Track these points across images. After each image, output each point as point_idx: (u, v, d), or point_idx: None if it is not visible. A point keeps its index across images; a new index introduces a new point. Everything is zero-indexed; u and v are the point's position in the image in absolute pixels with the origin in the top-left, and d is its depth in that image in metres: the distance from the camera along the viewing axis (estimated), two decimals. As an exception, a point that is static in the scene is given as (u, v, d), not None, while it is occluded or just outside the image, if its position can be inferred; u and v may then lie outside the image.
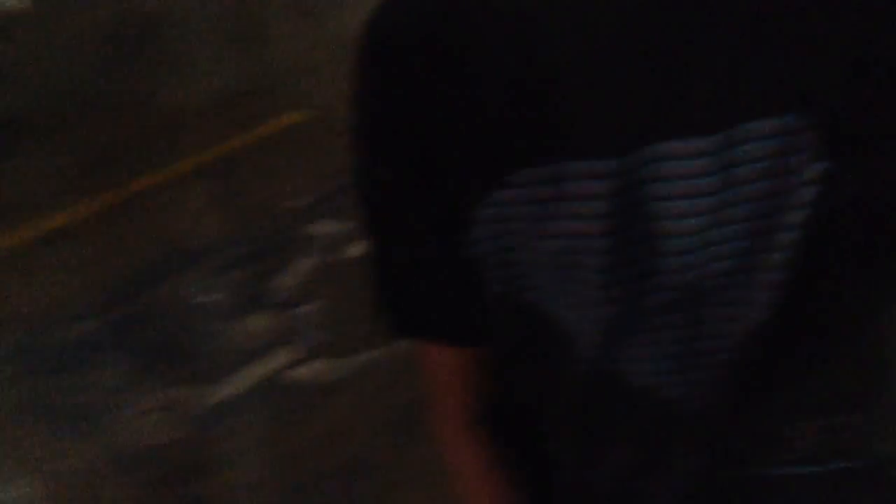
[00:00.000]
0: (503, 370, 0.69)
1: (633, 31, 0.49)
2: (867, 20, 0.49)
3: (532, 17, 0.51)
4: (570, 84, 0.51)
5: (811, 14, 0.49)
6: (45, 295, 2.83)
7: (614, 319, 0.57)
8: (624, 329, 0.57)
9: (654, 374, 0.59)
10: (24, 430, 2.31)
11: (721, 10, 0.48)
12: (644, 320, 0.57)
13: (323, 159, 3.32)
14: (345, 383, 2.40)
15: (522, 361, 0.66)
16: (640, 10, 0.49)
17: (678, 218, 0.52)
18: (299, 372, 2.45)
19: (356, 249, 2.67)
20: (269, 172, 3.47)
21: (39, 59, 4.67)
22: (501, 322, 0.63)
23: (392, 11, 0.55)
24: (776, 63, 0.49)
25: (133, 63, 4.55)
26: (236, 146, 3.71)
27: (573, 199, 0.52)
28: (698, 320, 0.56)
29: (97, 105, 4.16)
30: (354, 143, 0.60)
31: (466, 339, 0.68)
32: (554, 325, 0.59)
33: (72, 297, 2.80)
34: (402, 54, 0.54)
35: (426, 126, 0.55)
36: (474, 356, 0.70)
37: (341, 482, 2.09)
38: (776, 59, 0.49)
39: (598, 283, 0.55)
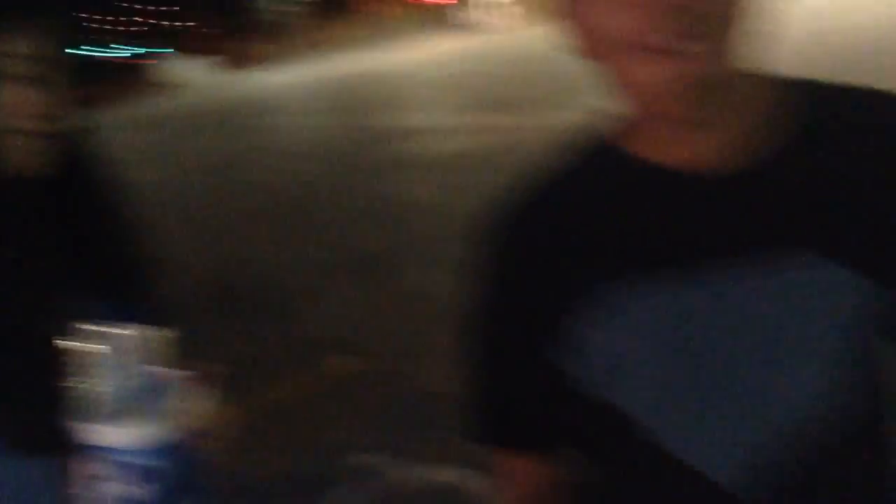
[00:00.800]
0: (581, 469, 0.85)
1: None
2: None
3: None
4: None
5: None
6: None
7: (689, 414, 0.75)
8: (696, 422, 0.75)
9: (718, 463, 0.75)
10: None
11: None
12: (714, 416, 0.75)
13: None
14: None
15: (605, 459, 0.82)
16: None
17: (740, 328, 0.73)
18: None
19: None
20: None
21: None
22: (587, 426, 0.81)
23: (507, 216, 0.82)
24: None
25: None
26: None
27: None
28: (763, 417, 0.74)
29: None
30: (481, 296, 0.85)
31: (552, 448, 0.87)
32: (635, 422, 0.77)
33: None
34: (515, 244, 0.82)
35: (541, 281, 0.80)
36: (551, 467, 0.87)
37: None
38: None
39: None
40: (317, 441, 3.34)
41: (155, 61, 42.32)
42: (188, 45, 44.80)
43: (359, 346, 4.22)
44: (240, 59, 36.89)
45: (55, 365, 1.48)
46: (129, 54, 50.38)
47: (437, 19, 29.58)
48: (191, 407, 1.64)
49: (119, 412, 1.56)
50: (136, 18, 56.58)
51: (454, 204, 6.44)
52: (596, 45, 0.71)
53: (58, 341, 1.48)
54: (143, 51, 49.22)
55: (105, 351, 1.56)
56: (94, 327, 1.56)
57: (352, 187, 8.13)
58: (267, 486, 3.07)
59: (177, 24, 54.69)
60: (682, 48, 0.66)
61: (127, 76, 38.16)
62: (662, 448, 0.76)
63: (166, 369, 1.62)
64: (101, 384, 1.56)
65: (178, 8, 53.63)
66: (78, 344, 1.54)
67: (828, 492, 0.76)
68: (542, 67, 13.47)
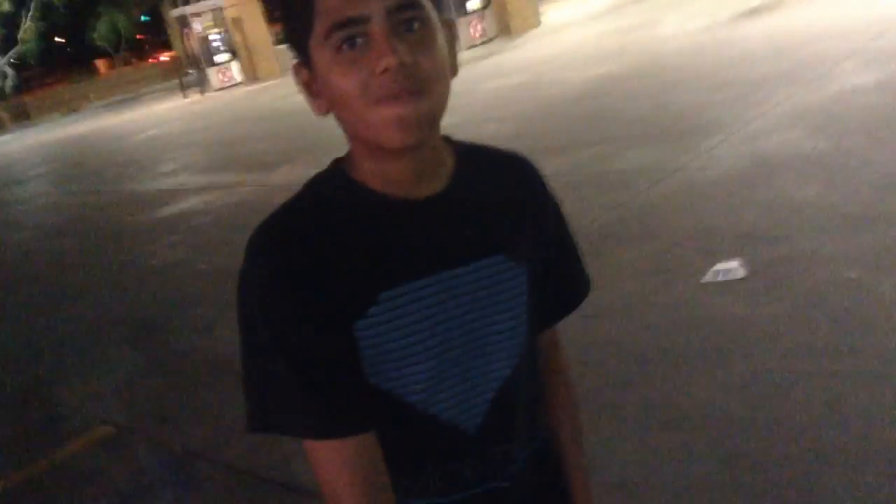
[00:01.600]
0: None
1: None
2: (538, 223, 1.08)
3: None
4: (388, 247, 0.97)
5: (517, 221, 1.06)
6: None
7: (435, 380, 0.99)
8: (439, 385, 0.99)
9: (453, 411, 1.01)
10: None
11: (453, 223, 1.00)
12: (449, 378, 1.00)
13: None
14: None
15: (385, 425, 0.97)
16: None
17: (466, 312, 1.00)
18: None
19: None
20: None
21: None
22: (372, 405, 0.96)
23: (268, 243, 0.95)
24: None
25: None
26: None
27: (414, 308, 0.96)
28: (473, 372, 1.02)
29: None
30: (260, 318, 0.93)
31: (366, 426, 0.95)
32: (399, 396, 0.98)
33: None
34: (287, 260, 0.93)
35: (316, 292, 0.92)
36: (370, 442, 0.96)
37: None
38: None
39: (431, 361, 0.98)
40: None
41: None
42: None
43: (113, 415, 4.13)
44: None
45: None
46: None
47: (172, 77, 28.85)
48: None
49: None
50: None
51: (203, 261, 6.44)
52: (342, 103, 0.91)
53: None
54: None
55: None
56: None
57: (102, 255, 7.76)
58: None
59: None
60: (407, 99, 0.88)
61: None
62: (426, 414, 0.99)
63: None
64: None
65: None
66: None
67: (516, 410, 1.07)
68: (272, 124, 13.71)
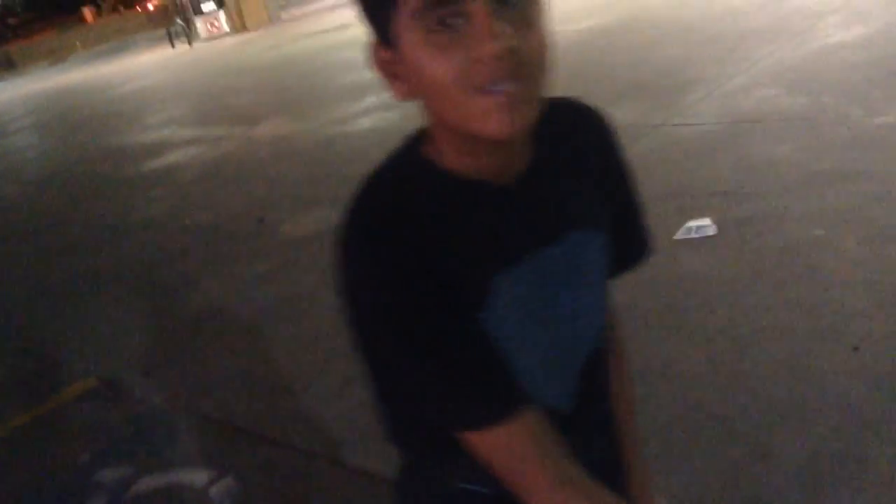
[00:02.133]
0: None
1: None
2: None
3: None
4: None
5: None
6: None
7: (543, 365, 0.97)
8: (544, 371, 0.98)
9: (556, 390, 1.00)
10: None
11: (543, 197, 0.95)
12: (551, 364, 0.99)
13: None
14: None
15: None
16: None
17: (562, 291, 0.98)
18: None
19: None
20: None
21: None
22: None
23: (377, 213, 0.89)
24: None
25: None
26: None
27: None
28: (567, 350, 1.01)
29: None
30: (384, 306, 0.86)
31: (524, 403, 0.89)
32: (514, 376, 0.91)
33: None
34: (397, 235, 0.86)
35: (433, 270, 0.86)
36: (538, 414, 0.90)
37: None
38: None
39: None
40: (63, 461, 3.34)
41: None
42: None
43: (101, 367, 4.21)
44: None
45: None
46: None
47: (161, 26, 28.49)
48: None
49: None
50: None
51: (186, 216, 6.48)
52: (433, 90, 0.81)
53: None
54: None
55: None
56: None
57: (86, 211, 7.77)
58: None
59: None
60: (510, 87, 0.79)
61: None
62: (536, 396, 0.91)
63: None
64: None
65: None
66: None
67: (597, 376, 1.06)
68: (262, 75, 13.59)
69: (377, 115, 8.28)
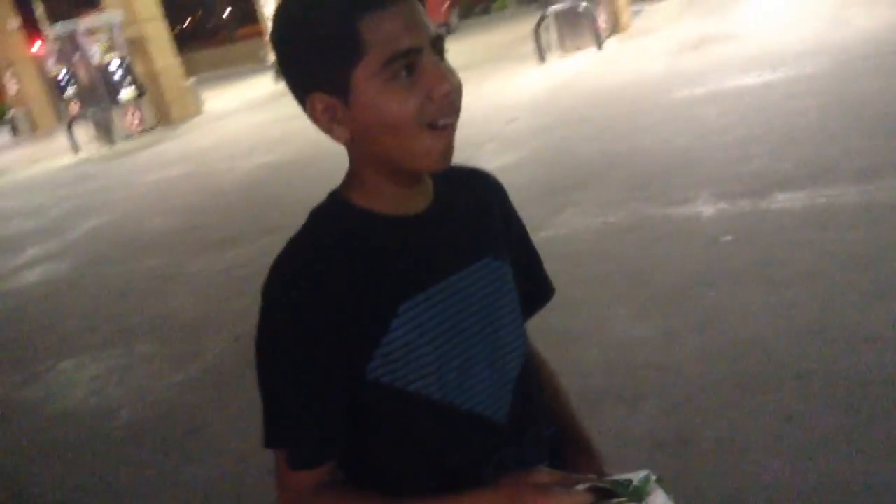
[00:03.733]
0: (372, 445, 1.09)
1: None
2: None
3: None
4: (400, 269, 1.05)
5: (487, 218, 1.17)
6: None
7: (466, 375, 1.07)
8: (469, 379, 1.08)
9: (485, 404, 1.10)
10: None
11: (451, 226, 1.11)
12: (476, 374, 1.09)
13: None
14: None
15: (396, 430, 1.08)
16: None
17: (478, 310, 1.10)
18: None
19: None
20: None
21: None
22: (387, 410, 1.06)
23: (288, 272, 1.03)
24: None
25: None
26: None
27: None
28: (496, 365, 1.11)
29: None
30: (273, 343, 1.03)
31: (333, 458, 1.08)
32: (439, 398, 1.06)
33: None
34: (305, 290, 1.00)
35: (330, 319, 1.00)
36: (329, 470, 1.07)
37: None
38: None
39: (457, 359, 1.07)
40: None
41: None
42: None
43: None
44: None
45: None
46: None
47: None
48: None
49: None
50: None
51: None
52: (389, 128, 0.97)
53: None
54: None
55: None
56: None
57: None
58: None
59: None
60: (452, 120, 1.00)
61: None
62: (452, 407, 1.06)
63: None
64: None
65: None
66: None
67: (532, 397, 1.17)
68: None
69: (41, 267, 7.57)
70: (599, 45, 12.31)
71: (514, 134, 8.30)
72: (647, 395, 3.13)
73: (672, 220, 4.90)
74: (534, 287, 1.28)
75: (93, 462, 3.65)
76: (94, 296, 6.29)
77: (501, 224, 1.19)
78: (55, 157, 16.23)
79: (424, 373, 1.04)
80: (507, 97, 10.51)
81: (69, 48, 16.85)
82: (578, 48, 12.59)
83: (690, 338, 3.48)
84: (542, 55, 12.41)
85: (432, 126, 0.98)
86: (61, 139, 16.50)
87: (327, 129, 1.02)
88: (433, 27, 0.99)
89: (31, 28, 24.32)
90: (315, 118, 1.02)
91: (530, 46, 12.80)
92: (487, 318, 1.11)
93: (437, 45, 0.99)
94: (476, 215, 1.15)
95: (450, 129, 1.00)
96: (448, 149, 1.01)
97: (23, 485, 3.65)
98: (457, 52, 16.61)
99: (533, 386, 1.19)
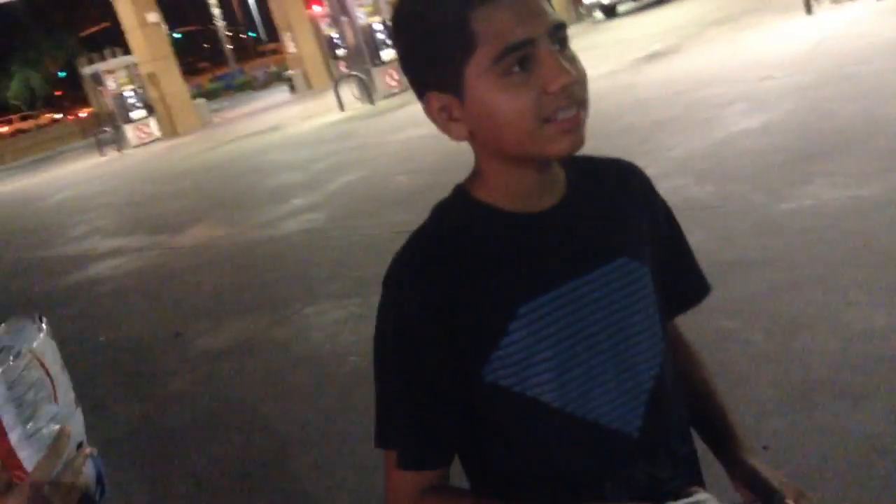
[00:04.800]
0: (490, 449, 1.04)
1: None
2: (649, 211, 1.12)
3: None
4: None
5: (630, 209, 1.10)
6: None
7: (589, 384, 1.01)
8: (593, 388, 1.01)
9: (613, 415, 1.02)
10: None
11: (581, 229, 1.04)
12: (602, 384, 1.02)
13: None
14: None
15: (516, 432, 1.02)
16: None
17: (605, 316, 1.03)
18: None
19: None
20: None
21: None
22: (506, 414, 1.01)
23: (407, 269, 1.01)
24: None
25: None
26: None
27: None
28: (624, 375, 1.03)
29: None
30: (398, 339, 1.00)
31: (448, 462, 1.04)
32: (559, 407, 1.00)
33: None
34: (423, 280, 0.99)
35: (453, 313, 0.98)
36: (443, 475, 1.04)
37: None
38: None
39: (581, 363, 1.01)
40: None
41: None
42: None
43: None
44: None
45: None
46: None
47: (91, 134, 28.35)
48: None
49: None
50: None
51: (101, 333, 6.25)
52: (508, 123, 0.93)
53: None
54: None
55: None
56: None
57: None
58: None
59: None
60: (575, 111, 0.94)
61: None
62: (587, 421, 1.01)
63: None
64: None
65: None
66: None
67: (670, 410, 1.08)
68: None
69: (302, 217, 8.25)
70: (879, -8, 11.00)
71: (767, 93, 7.71)
72: (874, 394, 2.85)
73: (937, 195, 4.34)
74: (684, 286, 1.18)
75: (322, 402, 4.01)
76: (342, 247, 6.81)
77: (645, 220, 1.10)
78: (324, 114, 17.57)
79: (542, 380, 0.99)
80: (764, 52, 9.76)
81: (338, 10, 18.06)
82: (853, -3, 11.35)
83: (939, 333, 3.10)
84: (808, 5, 11.34)
85: (551, 121, 0.93)
86: (331, 97, 17.76)
87: (444, 129, 0.99)
88: (553, 14, 0.93)
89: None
90: (432, 117, 0.99)
91: (798, -4, 11.75)
92: (617, 325, 1.03)
93: (558, 34, 0.93)
94: (613, 211, 1.07)
95: (573, 119, 0.94)
96: (575, 137, 0.95)
97: (258, 415, 4.10)
98: (717, 2, 15.70)
99: (672, 398, 1.09)
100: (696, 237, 4.77)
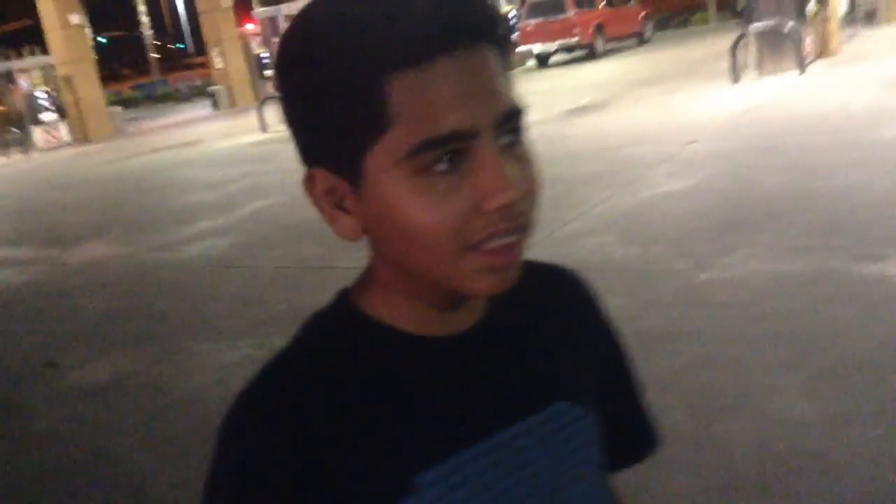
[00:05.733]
0: None
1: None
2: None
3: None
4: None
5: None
6: None
7: None
8: None
9: None
10: None
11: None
12: None
13: None
14: None
15: None
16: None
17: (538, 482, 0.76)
18: None
19: None
20: None
21: None
22: None
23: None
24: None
25: None
26: None
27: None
28: None
29: None
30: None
31: None
32: None
33: None
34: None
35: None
36: None
37: None
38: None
39: None
40: None
41: None
42: None
43: None
44: None
45: None
46: None
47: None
48: None
49: None
50: None
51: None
52: (415, 242, 0.66)
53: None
54: None
55: None
56: None
57: None
58: None
59: None
60: (510, 240, 0.67)
61: None
62: None
63: None
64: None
65: None
66: None
67: None
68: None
69: (207, 241, 7.79)
70: (802, 68, 11.34)
71: (692, 157, 7.71)
72: (800, 493, 2.65)
73: (861, 278, 4.26)
74: (630, 436, 0.92)
75: (200, 458, 3.59)
76: (244, 279, 6.39)
77: (589, 347, 0.86)
78: (245, 133, 17.06)
79: None
80: (690, 116, 9.86)
81: (270, 30, 17.77)
82: (778, 71, 11.68)
83: (865, 428, 2.94)
84: (736, 75, 11.59)
85: (477, 249, 0.66)
86: (254, 117, 17.29)
87: (328, 218, 0.72)
88: (506, 97, 0.66)
89: (244, 8, 25.95)
90: (313, 199, 0.72)
91: (725, 64, 12.00)
92: (551, 489, 0.77)
93: (508, 124, 0.66)
94: (549, 339, 0.82)
95: (507, 253, 0.67)
96: (504, 277, 0.68)
97: (126, 469, 3.65)
98: (647, 63, 16.35)
99: None
100: (618, 301, 4.67)
